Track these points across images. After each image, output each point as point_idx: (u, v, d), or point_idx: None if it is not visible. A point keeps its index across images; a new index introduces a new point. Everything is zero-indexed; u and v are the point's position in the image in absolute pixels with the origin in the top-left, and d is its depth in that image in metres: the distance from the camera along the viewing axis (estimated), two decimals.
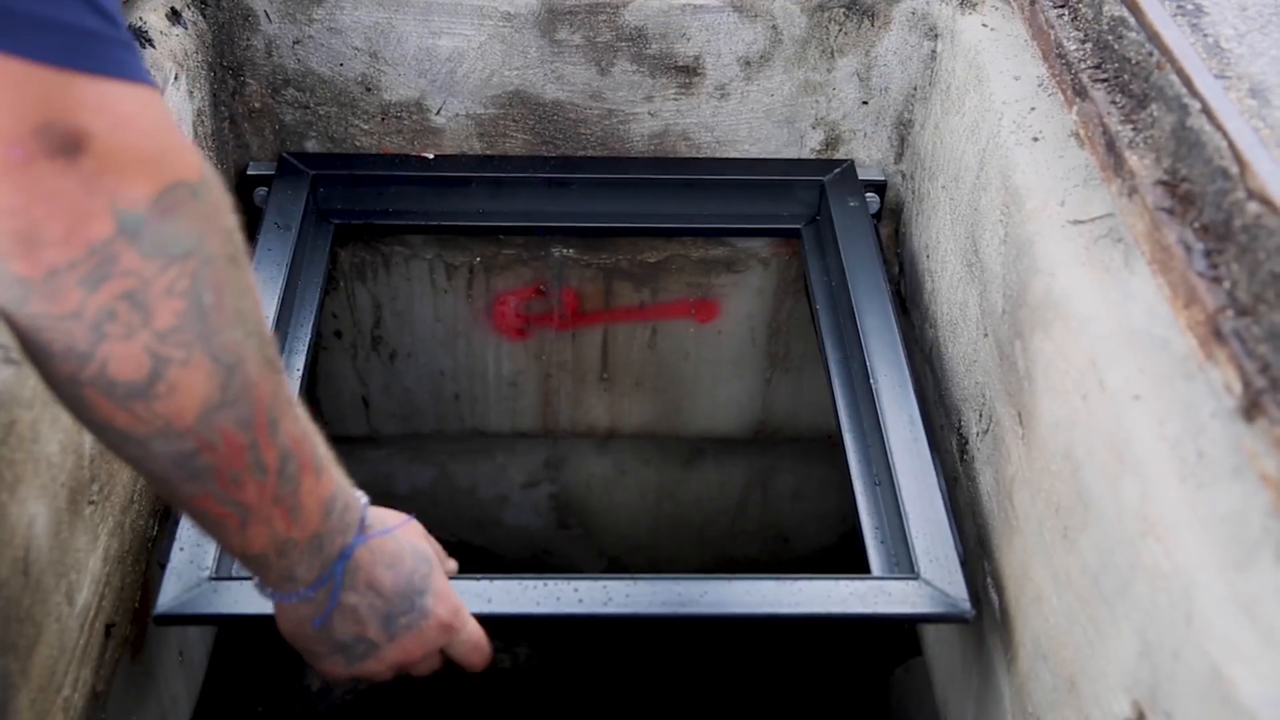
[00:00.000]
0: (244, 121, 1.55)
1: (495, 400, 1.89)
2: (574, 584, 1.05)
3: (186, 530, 1.07)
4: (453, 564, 1.00)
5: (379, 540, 0.87)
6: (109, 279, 0.61)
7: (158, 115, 0.63)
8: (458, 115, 1.55)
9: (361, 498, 0.87)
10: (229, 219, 0.67)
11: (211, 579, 1.03)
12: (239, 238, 0.68)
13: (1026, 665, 1.05)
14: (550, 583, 1.05)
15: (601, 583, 1.06)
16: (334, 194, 1.53)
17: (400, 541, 0.89)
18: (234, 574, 1.07)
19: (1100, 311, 0.95)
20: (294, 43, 1.49)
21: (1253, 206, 0.85)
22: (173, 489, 0.73)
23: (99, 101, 0.59)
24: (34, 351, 0.64)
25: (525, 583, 1.05)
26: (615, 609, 1.04)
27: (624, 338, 1.82)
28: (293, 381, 1.29)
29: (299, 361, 1.31)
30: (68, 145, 0.58)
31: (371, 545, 0.86)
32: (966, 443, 1.27)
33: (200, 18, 1.43)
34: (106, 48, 0.60)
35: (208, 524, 0.77)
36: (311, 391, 1.88)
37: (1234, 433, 0.79)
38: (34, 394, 0.93)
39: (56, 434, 0.97)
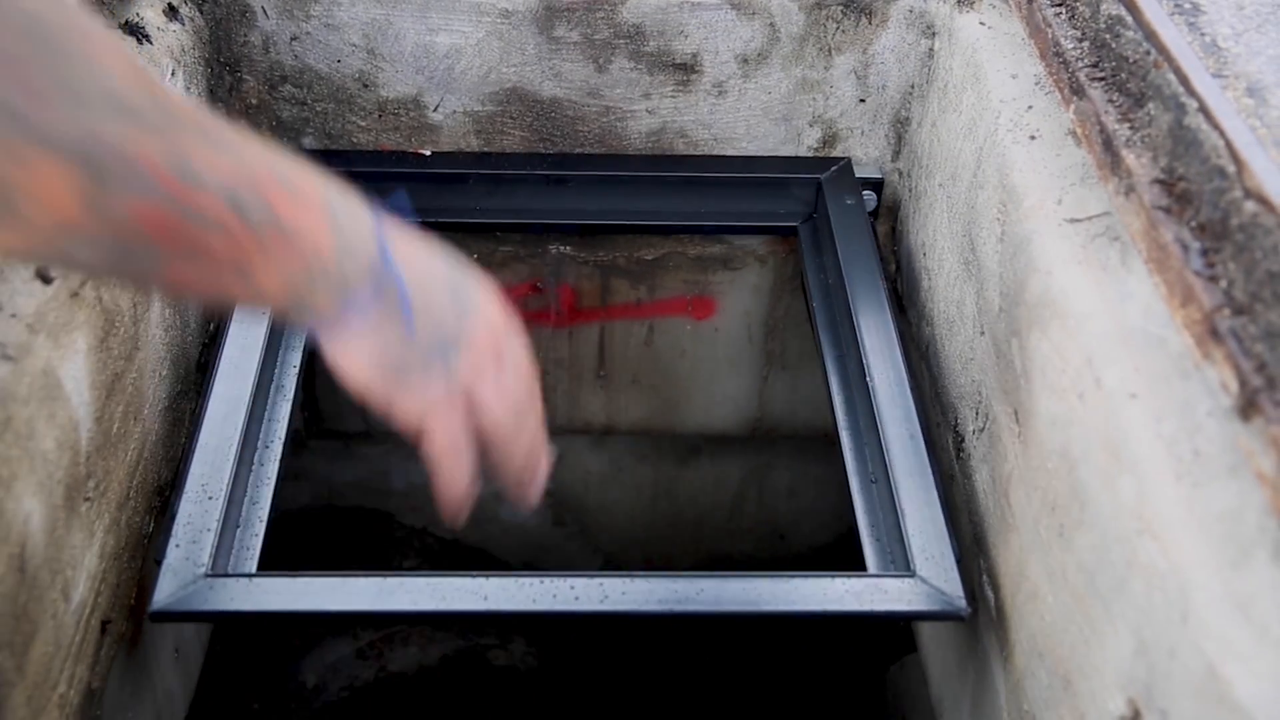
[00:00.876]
0: (241, 118, 1.55)
1: None
2: (570, 581, 1.05)
3: (183, 526, 1.07)
4: None
5: (387, 219, 0.77)
6: None
7: None
8: (455, 112, 1.55)
9: (351, 189, 0.75)
10: (28, 3, 0.57)
11: (208, 575, 1.03)
12: (53, 11, 0.58)
13: (1022, 663, 1.05)
14: (546, 580, 1.05)
15: (598, 580, 1.06)
16: None
17: (408, 225, 0.79)
18: (230, 571, 1.07)
19: (1097, 310, 0.95)
20: (291, 39, 1.49)
21: (1250, 205, 0.85)
22: (162, 288, 0.65)
23: None
24: None
25: (521, 580, 1.05)
26: (611, 606, 1.04)
27: (621, 335, 1.83)
28: (288, 380, 1.28)
29: (294, 358, 1.30)
30: None
31: (389, 228, 0.76)
32: (963, 441, 1.27)
33: (197, 14, 1.42)
34: None
35: (218, 300, 0.71)
36: (309, 388, 1.88)
37: (1230, 431, 0.79)
38: (30, 390, 0.93)
39: (52, 430, 0.96)
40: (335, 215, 0.71)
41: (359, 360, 0.76)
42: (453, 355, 0.78)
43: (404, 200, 0.79)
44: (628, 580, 1.06)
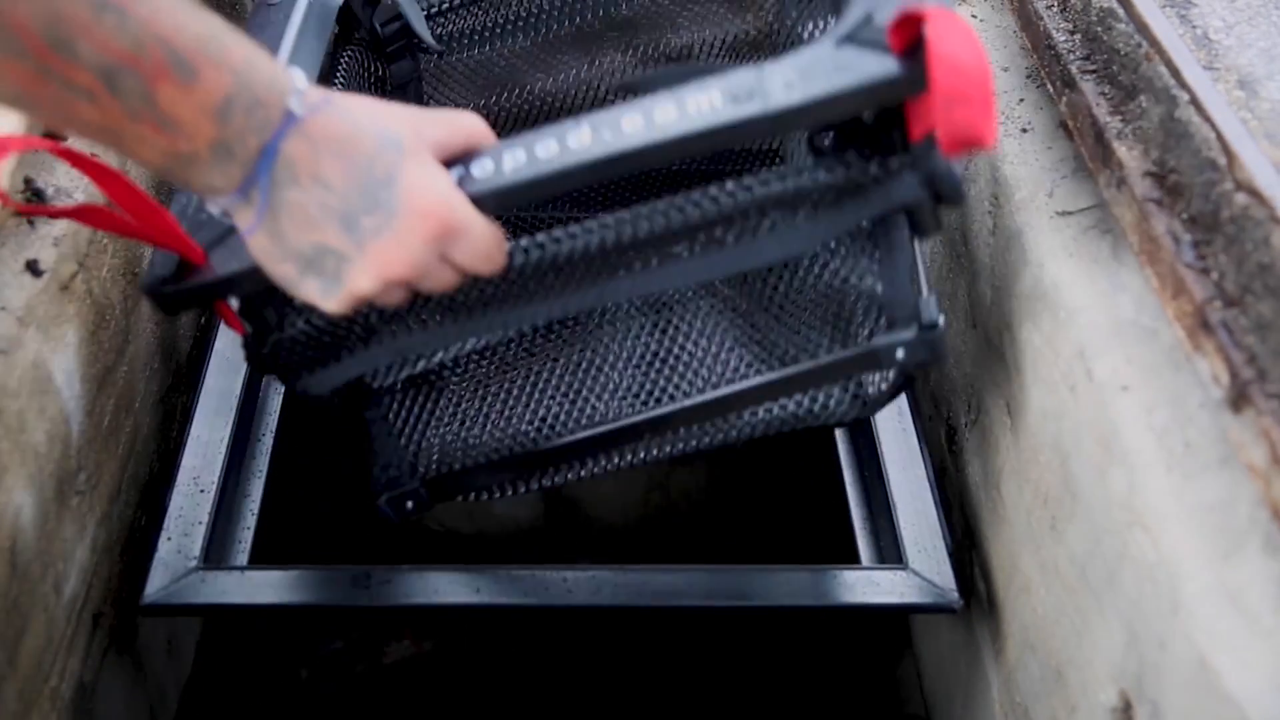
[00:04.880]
0: None
1: None
2: (563, 574, 1.05)
3: (174, 520, 1.07)
4: (473, 122, 0.80)
5: (321, 123, 0.72)
6: None
7: None
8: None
9: (291, 81, 0.72)
10: None
11: (199, 568, 1.03)
12: None
13: (1014, 655, 1.05)
14: (539, 573, 1.05)
15: (590, 573, 1.06)
16: None
17: (358, 123, 0.74)
18: (223, 564, 1.07)
19: (1088, 302, 0.95)
20: None
21: (1240, 198, 0.85)
22: (48, 125, 0.67)
23: None
24: None
25: (515, 573, 1.05)
26: (605, 600, 1.04)
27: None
28: None
29: None
30: None
31: (310, 131, 0.72)
32: (955, 433, 1.28)
33: None
34: None
35: (112, 150, 0.71)
36: None
37: (1221, 423, 0.80)
38: (20, 383, 0.93)
39: (43, 424, 0.96)
40: (228, 112, 0.69)
41: (244, 240, 0.76)
42: (341, 270, 0.75)
43: None
44: (620, 574, 1.06)
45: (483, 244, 0.77)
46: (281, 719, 1.29)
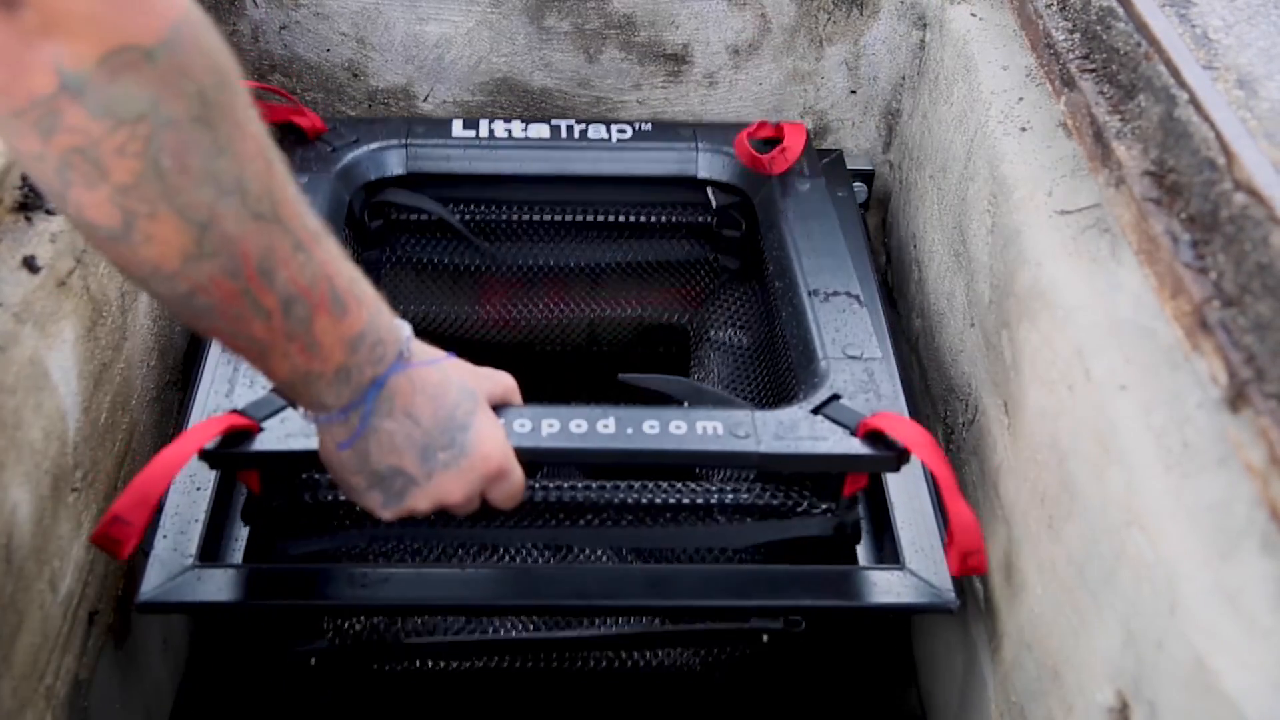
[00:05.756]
0: None
1: None
2: (555, 572, 1.05)
3: (170, 517, 1.06)
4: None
5: (421, 370, 0.86)
6: (57, 132, 0.63)
7: None
8: (445, 102, 1.55)
9: (403, 329, 0.86)
10: (204, 77, 0.67)
11: (195, 566, 1.03)
12: (219, 94, 0.67)
13: (1011, 655, 1.05)
14: (537, 572, 1.05)
15: (582, 571, 1.06)
16: None
17: (446, 374, 0.89)
18: (219, 562, 1.07)
19: (1087, 301, 0.95)
20: (280, 28, 1.48)
21: (1239, 197, 0.85)
22: (187, 322, 0.77)
23: None
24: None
25: (508, 571, 1.05)
26: (600, 598, 1.04)
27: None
28: None
29: None
30: (4, 1, 0.59)
31: (412, 374, 0.86)
32: (953, 433, 1.27)
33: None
34: None
35: (232, 351, 0.80)
36: None
37: (1219, 423, 0.80)
38: (17, 380, 0.93)
39: (39, 420, 0.96)
40: (359, 344, 0.82)
41: (321, 443, 0.89)
42: (406, 491, 0.89)
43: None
44: (616, 571, 1.06)
45: (515, 488, 0.93)
46: (279, 716, 1.28)
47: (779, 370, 1.29)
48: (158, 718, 1.27)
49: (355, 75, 1.52)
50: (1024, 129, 1.18)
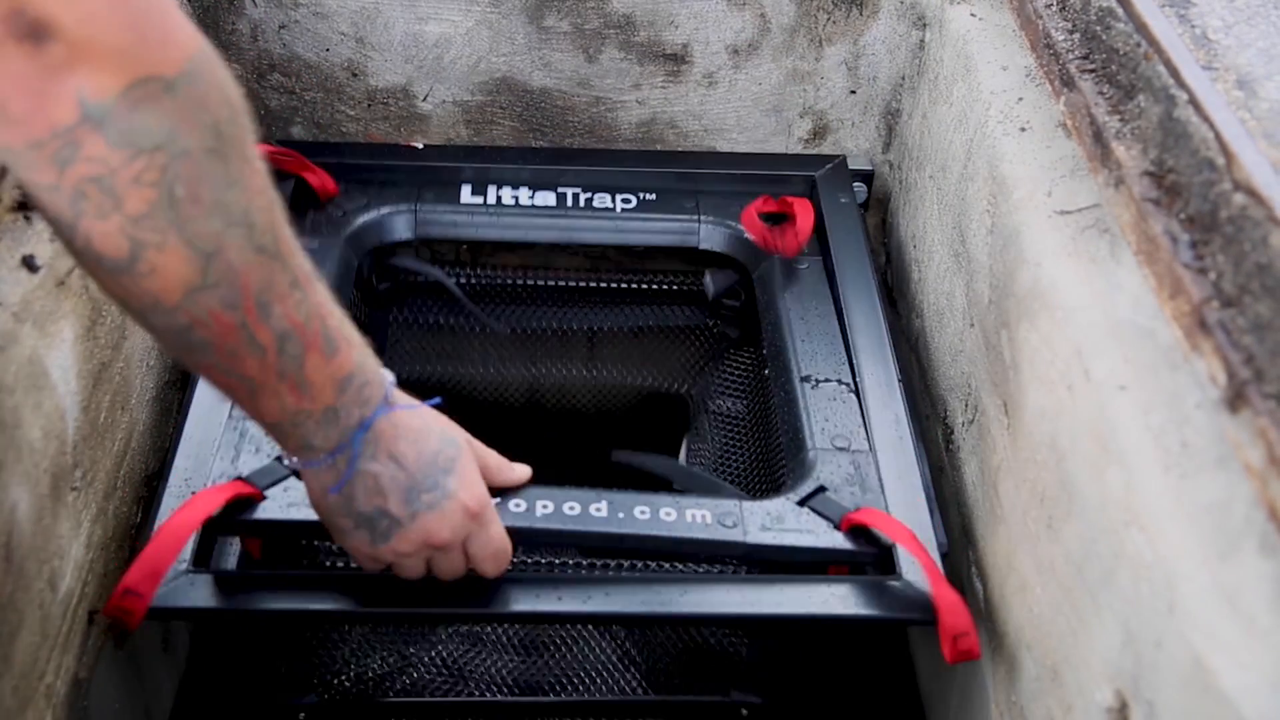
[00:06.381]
0: None
1: None
2: (558, 582, 1.05)
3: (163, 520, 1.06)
4: (520, 471, 1.04)
5: (404, 414, 0.89)
6: (74, 162, 0.65)
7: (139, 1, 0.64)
8: (444, 102, 1.55)
9: (387, 376, 0.89)
10: (219, 110, 0.68)
11: (189, 572, 1.02)
12: (231, 128, 0.69)
13: (1010, 655, 1.05)
14: (532, 580, 1.05)
15: (585, 583, 1.05)
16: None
17: (426, 420, 0.91)
18: (212, 567, 1.06)
19: (1086, 302, 0.95)
20: (279, 27, 1.48)
21: (1239, 198, 0.85)
22: (181, 358, 0.78)
23: None
24: (42, 216, 0.69)
25: (508, 580, 1.04)
26: (599, 608, 1.03)
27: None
28: None
29: None
30: (35, 32, 0.61)
31: (395, 418, 0.88)
32: (952, 433, 1.28)
33: (184, 1, 1.42)
34: None
35: (222, 391, 0.81)
36: None
37: (1218, 423, 0.80)
38: (16, 379, 0.93)
39: (39, 420, 0.96)
40: (347, 385, 0.84)
41: (307, 486, 0.91)
42: (391, 532, 0.91)
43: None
44: (613, 584, 1.05)
45: (496, 544, 0.96)
46: (278, 715, 1.29)
47: (771, 447, 1.32)
48: (158, 718, 1.27)
49: (354, 75, 1.52)
50: (1023, 129, 1.18)
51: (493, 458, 1.00)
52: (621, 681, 1.27)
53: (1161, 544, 0.77)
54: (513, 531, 0.98)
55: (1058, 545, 0.94)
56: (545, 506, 1.05)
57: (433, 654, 1.27)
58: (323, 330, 0.80)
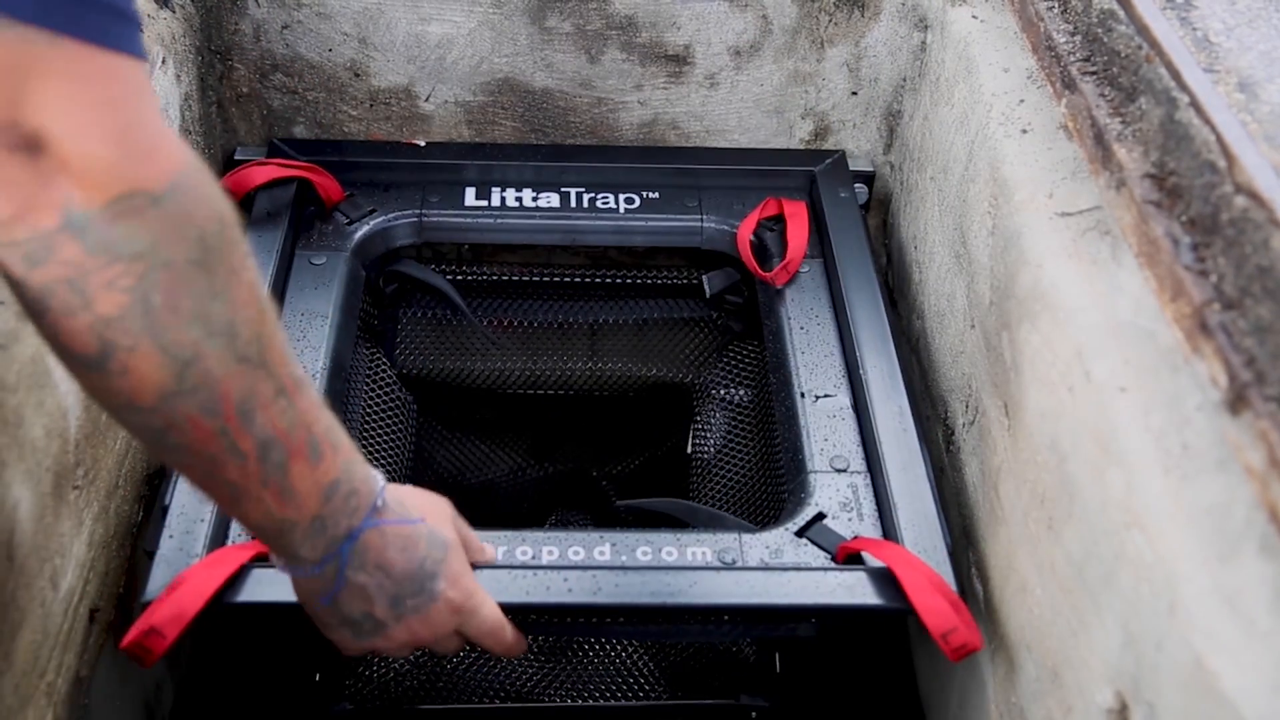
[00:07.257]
0: (231, 106, 1.54)
1: None
2: (563, 574, 1.05)
3: (176, 517, 1.06)
4: (489, 553, 1.05)
5: (394, 523, 0.89)
6: (45, 264, 0.65)
7: (129, 114, 0.66)
8: (447, 102, 1.55)
9: (378, 480, 0.89)
10: (206, 224, 0.69)
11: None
12: (218, 241, 0.70)
13: (1010, 655, 1.06)
14: (540, 573, 1.05)
15: (590, 573, 1.06)
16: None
17: (416, 528, 0.91)
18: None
19: (1087, 303, 0.95)
20: (282, 27, 1.48)
21: (1240, 200, 0.85)
22: (162, 459, 0.78)
23: (65, 99, 0.62)
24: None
25: (514, 572, 1.05)
26: (603, 599, 1.04)
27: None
28: None
29: None
30: (29, 144, 0.63)
31: (384, 529, 0.88)
32: (953, 434, 1.28)
33: (188, 1, 1.42)
34: (91, 13, 0.63)
35: (205, 494, 0.81)
36: None
37: (1219, 425, 0.80)
38: (18, 378, 0.93)
39: (41, 418, 0.96)
40: (333, 492, 0.83)
41: (294, 585, 0.91)
42: (375, 633, 0.92)
43: None
44: (620, 573, 1.06)
45: (489, 624, 0.97)
46: (278, 714, 1.29)
47: (773, 444, 1.33)
48: (158, 716, 1.27)
49: (357, 75, 1.52)
50: (1025, 131, 1.18)
51: (473, 540, 1.02)
52: (635, 687, 1.29)
53: (1162, 545, 0.78)
54: (508, 609, 1.00)
55: (1058, 546, 0.95)
56: (551, 553, 1.08)
57: (461, 662, 1.29)
58: (308, 438, 0.79)
